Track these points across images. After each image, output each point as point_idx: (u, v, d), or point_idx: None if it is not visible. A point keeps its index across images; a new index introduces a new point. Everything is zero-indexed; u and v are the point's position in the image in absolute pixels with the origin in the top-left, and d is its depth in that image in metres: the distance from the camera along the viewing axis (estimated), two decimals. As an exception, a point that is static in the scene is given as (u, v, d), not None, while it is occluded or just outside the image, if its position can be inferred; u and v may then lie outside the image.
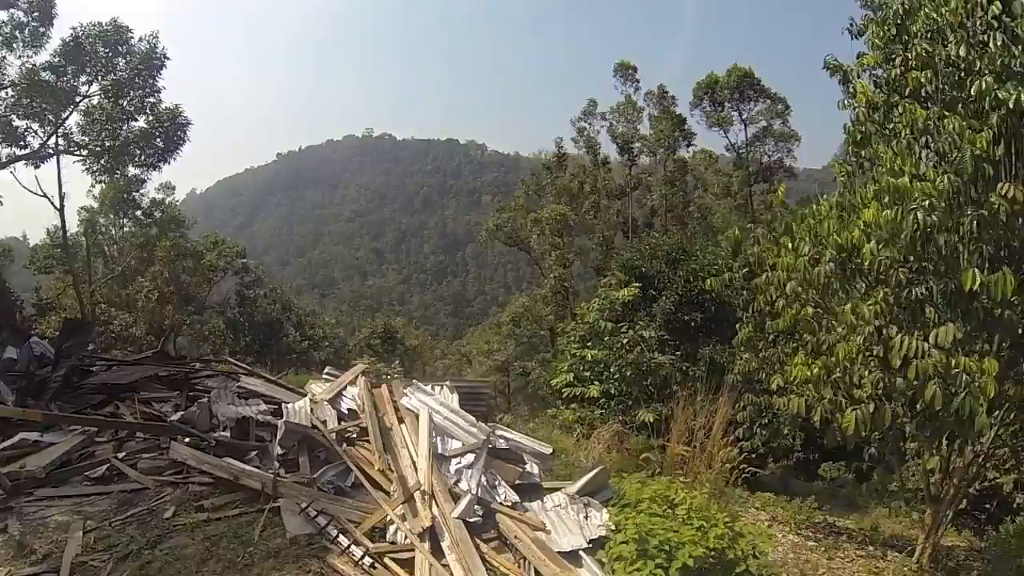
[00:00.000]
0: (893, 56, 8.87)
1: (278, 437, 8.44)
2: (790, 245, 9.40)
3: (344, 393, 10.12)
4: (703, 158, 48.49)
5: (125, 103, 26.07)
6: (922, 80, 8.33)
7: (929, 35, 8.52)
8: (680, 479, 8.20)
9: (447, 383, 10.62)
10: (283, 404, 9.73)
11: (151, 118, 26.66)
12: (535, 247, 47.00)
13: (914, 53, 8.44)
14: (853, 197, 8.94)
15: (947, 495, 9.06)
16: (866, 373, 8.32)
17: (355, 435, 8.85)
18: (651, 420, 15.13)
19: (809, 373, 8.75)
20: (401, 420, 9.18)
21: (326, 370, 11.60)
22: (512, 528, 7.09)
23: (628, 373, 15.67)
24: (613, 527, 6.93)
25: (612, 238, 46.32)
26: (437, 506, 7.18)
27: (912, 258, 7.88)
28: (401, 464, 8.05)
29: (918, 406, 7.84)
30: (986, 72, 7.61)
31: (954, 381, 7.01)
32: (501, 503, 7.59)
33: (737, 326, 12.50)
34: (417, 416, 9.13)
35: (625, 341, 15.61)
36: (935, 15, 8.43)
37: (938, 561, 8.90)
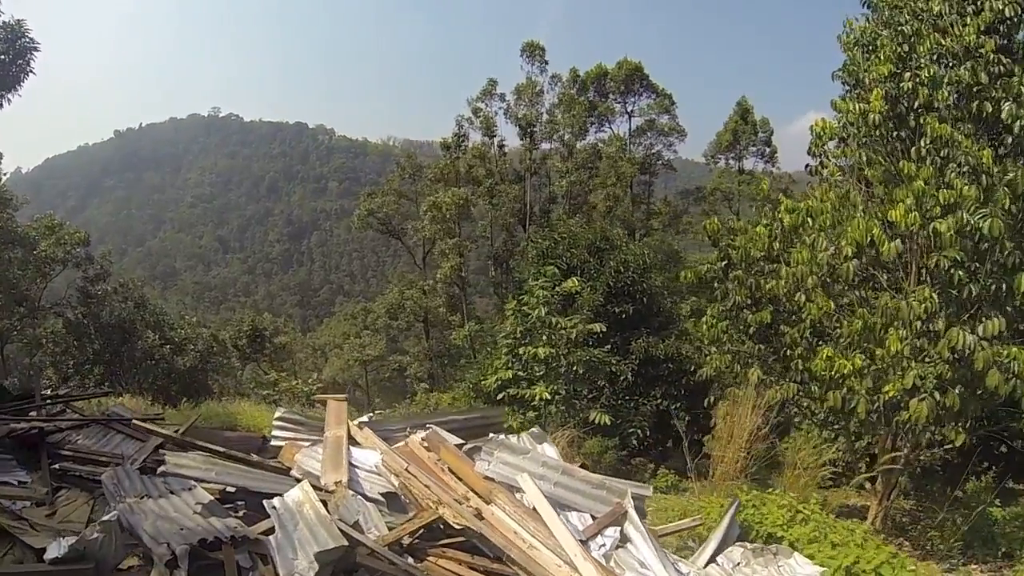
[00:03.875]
0: (903, 71, 10.00)
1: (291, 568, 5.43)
2: (808, 240, 9.93)
3: (356, 461, 7.31)
4: (618, 145, 48.21)
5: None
6: (939, 97, 9.58)
7: (935, 57, 10.01)
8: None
9: (451, 418, 8.74)
10: (262, 499, 6.52)
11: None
12: (426, 233, 45.59)
13: (924, 74, 9.62)
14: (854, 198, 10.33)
15: (898, 462, 10.08)
16: (912, 364, 8.79)
17: (416, 537, 6.09)
18: (607, 422, 14.22)
19: (851, 366, 8.98)
20: (485, 499, 6.76)
21: (279, 416, 8.70)
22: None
23: (580, 371, 14.58)
24: None
25: (513, 225, 45.63)
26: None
27: (965, 259, 8.52)
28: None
29: (979, 391, 8.52)
30: (1003, 96, 9.41)
31: (1006, 369, 7.96)
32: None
33: (703, 320, 12.73)
34: (511, 490, 6.94)
35: (574, 335, 14.50)
36: (943, 40, 9.94)
37: (890, 522, 9.86)
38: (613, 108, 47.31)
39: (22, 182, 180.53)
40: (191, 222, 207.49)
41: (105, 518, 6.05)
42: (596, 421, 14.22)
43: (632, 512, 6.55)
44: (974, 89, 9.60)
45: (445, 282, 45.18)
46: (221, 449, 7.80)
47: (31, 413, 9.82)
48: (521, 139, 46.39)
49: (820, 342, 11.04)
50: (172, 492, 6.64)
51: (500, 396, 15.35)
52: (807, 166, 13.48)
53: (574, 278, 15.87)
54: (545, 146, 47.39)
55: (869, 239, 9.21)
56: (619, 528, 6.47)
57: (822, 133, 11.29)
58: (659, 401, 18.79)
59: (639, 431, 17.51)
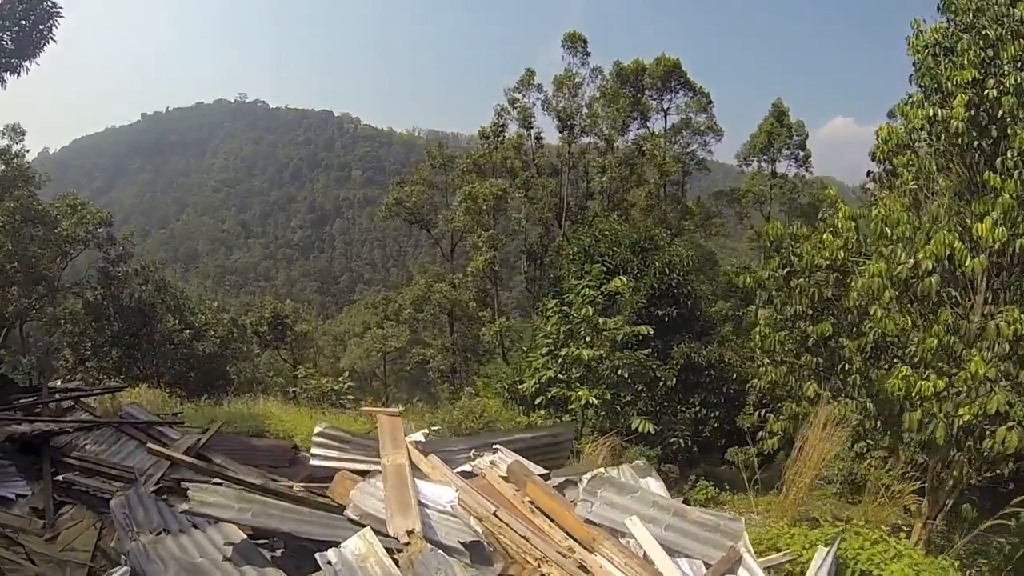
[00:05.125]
0: (986, 78, 9.61)
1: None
2: (885, 252, 9.44)
3: (426, 499, 6.21)
4: (657, 141, 47.30)
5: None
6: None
7: (1019, 65, 9.49)
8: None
9: (514, 438, 7.96)
10: (309, 545, 5.59)
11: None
12: (457, 224, 45.00)
13: (1009, 81, 9.25)
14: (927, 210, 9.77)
15: (946, 486, 9.71)
16: (997, 389, 8.33)
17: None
18: (651, 430, 13.73)
19: (932, 387, 8.51)
20: (588, 548, 5.92)
21: (320, 432, 7.46)
22: None
23: (625, 375, 14.09)
24: None
25: (549, 220, 44.89)
26: None
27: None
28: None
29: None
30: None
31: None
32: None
33: (756, 329, 12.24)
34: (614, 534, 6.13)
35: (620, 338, 14.01)
36: None
37: (931, 543, 9.18)
38: (650, 105, 46.39)
39: (49, 162, 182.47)
40: (214, 206, 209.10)
41: (116, 574, 5.41)
42: (639, 429, 13.71)
43: (748, 558, 5.93)
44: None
45: (476, 275, 44.45)
46: (256, 481, 6.71)
47: (38, 409, 9.30)
48: (560, 132, 45.45)
49: (883, 359, 10.64)
50: (195, 526, 5.94)
51: (539, 399, 14.83)
52: (869, 172, 13.02)
53: (621, 277, 15.35)
54: (584, 140, 46.41)
55: (948, 253, 8.78)
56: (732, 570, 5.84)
57: (888, 139, 10.81)
58: (697, 408, 18.35)
59: (680, 440, 17.01)
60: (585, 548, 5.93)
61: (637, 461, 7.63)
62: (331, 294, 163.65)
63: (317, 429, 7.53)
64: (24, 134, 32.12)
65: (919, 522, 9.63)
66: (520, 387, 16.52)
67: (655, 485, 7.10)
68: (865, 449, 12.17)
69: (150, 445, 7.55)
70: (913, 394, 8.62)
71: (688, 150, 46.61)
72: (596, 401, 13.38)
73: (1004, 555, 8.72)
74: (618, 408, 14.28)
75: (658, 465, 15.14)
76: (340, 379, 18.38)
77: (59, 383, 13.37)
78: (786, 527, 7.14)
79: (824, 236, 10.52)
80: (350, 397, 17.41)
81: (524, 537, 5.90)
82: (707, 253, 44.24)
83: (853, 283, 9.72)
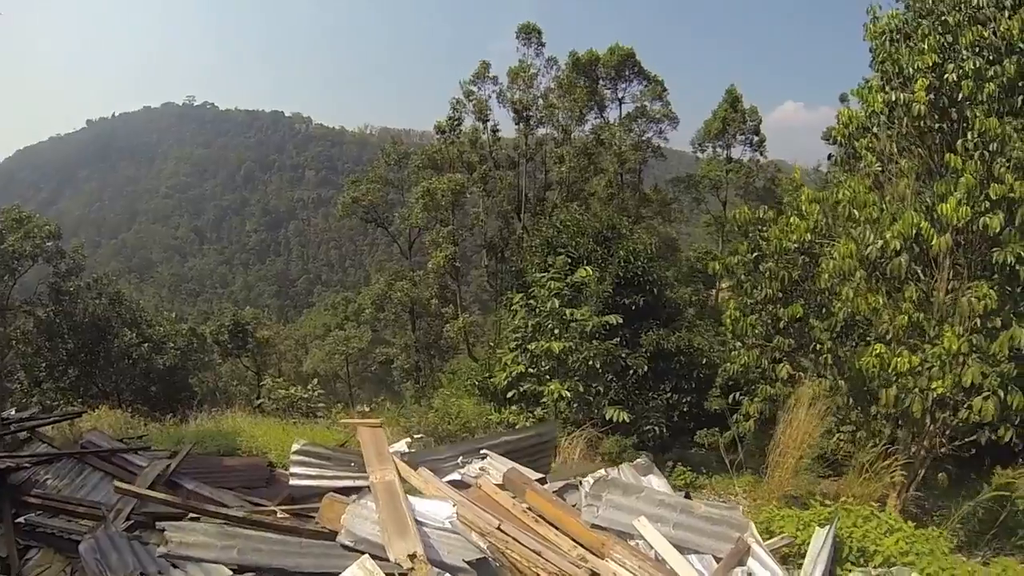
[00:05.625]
0: (946, 62, 9.84)
1: None
2: (854, 233, 9.55)
3: (422, 516, 5.83)
4: (619, 131, 46.99)
5: None
6: (986, 91, 9.30)
7: (977, 50, 9.70)
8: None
9: (504, 439, 7.75)
10: None
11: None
12: (414, 221, 44.75)
13: (968, 66, 9.49)
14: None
15: (919, 457, 9.91)
16: (970, 362, 8.58)
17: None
18: (626, 419, 13.72)
19: (907, 363, 8.69)
20: (597, 553, 5.75)
21: (299, 450, 7.09)
22: None
23: (596, 365, 14.02)
24: None
25: (509, 213, 44.76)
26: None
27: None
28: None
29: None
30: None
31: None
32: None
33: (727, 313, 12.13)
34: (621, 537, 5.99)
35: (589, 328, 13.94)
36: (984, 33, 9.69)
37: (906, 512, 9.20)
38: (604, 94, 46.48)
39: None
40: (166, 213, 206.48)
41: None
42: (613, 419, 13.69)
43: (756, 547, 5.86)
44: (1019, 84, 9.47)
45: (437, 272, 44.20)
46: (237, 512, 6.26)
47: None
48: (516, 124, 45.36)
49: (851, 338, 10.80)
50: (175, 566, 5.40)
51: (510, 394, 14.74)
52: (830, 156, 13.14)
53: (586, 267, 15.28)
54: (540, 131, 46.43)
55: (915, 233, 8.96)
56: (746, 568, 5.78)
57: (849, 122, 10.96)
58: (669, 395, 18.42)
59: (655, 427, 17.04)
60: (595, 555, 5.77)
61: (639, 460, 7.42)
62: (289, 297, 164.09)
63: (295, 447, 7.19)
64: (-37, 146, 30.99)
65: (892, 493, 9.71)
66: (490, 383, 16.43)
67: (658, 482, 6.96)
68: (834, 425, 12.34)
69: (116, 483, 6.90)
70: (889, 370, 8.78)
71: (644, 138, 46.58)
72: (568, 394, 13.31)
73: (981, 519, 9.01)
74: (590, 399, 14.21)
75: (635, 453, 15.20)
76: (309, 387, 17.96)
77: (13, 411, 12.67)
78: (776, 509, 7.15)
79: (791, 220, 10.59)
80: (321, 405, 17.07)
81: (533, 550, 5.69)
82: (668, 239, 44.50)
83: (824, 265, 9.79)
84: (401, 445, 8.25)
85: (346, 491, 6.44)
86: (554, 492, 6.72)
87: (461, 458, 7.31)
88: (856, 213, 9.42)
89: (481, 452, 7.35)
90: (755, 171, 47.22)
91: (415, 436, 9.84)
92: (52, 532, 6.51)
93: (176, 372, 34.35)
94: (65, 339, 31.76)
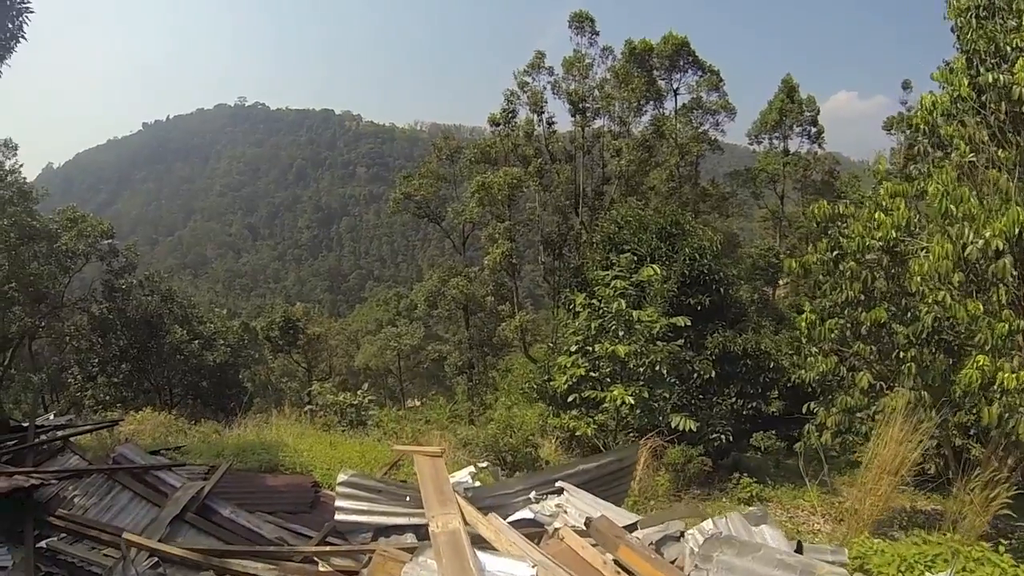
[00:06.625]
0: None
1: None
2: (951, 231, 8.69)
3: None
4: (679, 120, 45.97)
5: None
6: None
7: None
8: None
9: (578, 469, 6.98)
10: None
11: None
12: (468, 216, 44.20)
13: None
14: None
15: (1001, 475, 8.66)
16: None
17: None
18: (692, 428, 13.04)
19: (1016, 380, 7.79)
20: None
21: (345, 481, 6.50)
22: None
23: (663, 370, 13.35)
24: None
25: (567, 208, 43.88)
26: None
27: None
28: None
29: None
30: None
31: None
32: None
33: (802, 316, 11.54)
34: None
35: (656, 331, 13.28)
36: None
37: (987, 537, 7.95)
38: (659, 85, 45.10)
39: (54, 177, 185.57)
40: (220, 211, 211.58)
41: None
42: (679, 427, 13.03)
43: None
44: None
45: (493, 269, 43.40)
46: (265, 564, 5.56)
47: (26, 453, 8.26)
48: (572, 115, 44.01)
49: (935, 345, 9.93)
50: None
51: (571, 398, 14.13)
52: (911, 145, 12.28)
53: (653, 266, 14.61)
54: (597, 123, 45.03)
55: (1017, 232, 8.10)
56: None
57: (933, 108, 10.07)
58: (733, 400, 17.62)
59: (722, 436, 16.29)
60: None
61: (751, 509, 6.53)
62: (341, 292, 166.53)
63: (341, 477, 6.62)
64: (16, 148, 31.50)
65: (971, 512, 8.58)
66: (549, 386, 15.82)
67: (772, 535, 5.99)
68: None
69: (127, 535, 6.18)
70: (995, 387, 7.94)
71: (700, 130, 45.39)
72: (632, 400, 12.64)
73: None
74: (655, 405, 13.48)
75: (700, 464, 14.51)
76: (359, 392, 17.37)
77: (51, 416, 12.33)
78: (868, 541, 6.47)
79: (877, 215, 9.79)
80: (372, 412, 16.53)
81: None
82: (730, 235, 43.30)
83: (914, 266, 9.01)
84: (464, 475, 7.43)
85: (398, 529, 5.94)
86: (651, 544, 5.82)
87: (534, 492, 6.61)
88: (953, 209, 8.51)
89: (557, 485, 6.65)
90: (812, 164, 45.86)
91: (480, 465, 8.95)
92: (73, 561, 6.13)
93: (226, 368, 34.64)
94: (118, 335, 32.28)
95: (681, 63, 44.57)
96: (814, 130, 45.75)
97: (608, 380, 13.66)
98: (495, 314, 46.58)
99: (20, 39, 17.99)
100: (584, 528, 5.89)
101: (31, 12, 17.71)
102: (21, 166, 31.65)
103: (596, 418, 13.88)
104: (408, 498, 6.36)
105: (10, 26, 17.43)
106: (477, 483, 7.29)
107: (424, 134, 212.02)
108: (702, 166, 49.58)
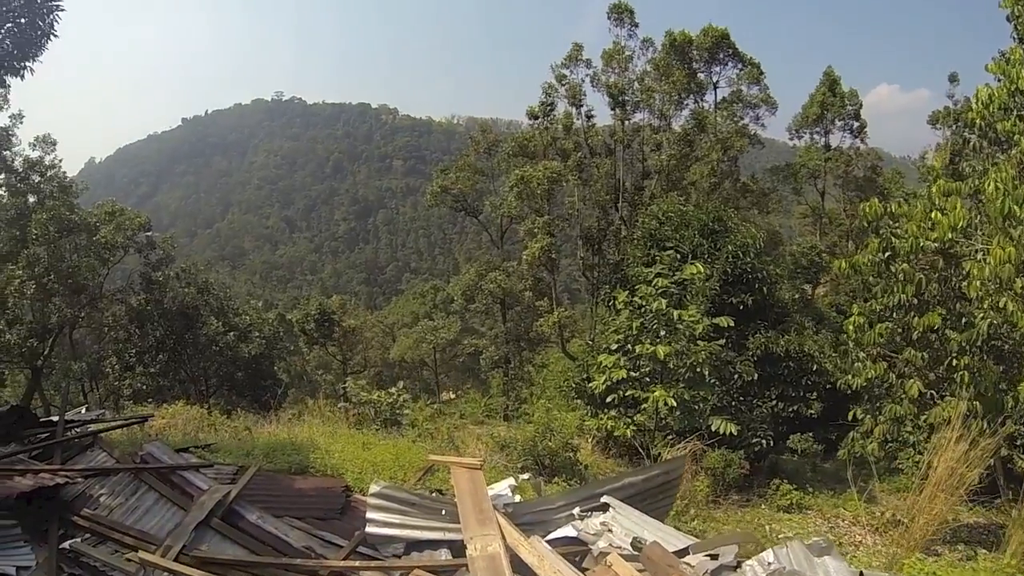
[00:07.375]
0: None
1: None
2: (1014, 234, 8.37)
3: None
4: (721, 114, 44.86)
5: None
6: None
7: None
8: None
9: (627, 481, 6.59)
10: None
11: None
12: (506, 210, 43.78)
13: None
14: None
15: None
16: None
17: None
18: (733, 432, 12.71)
19: None
20: None
21: (377, 493, 6.34)
22: None
23: (705, 372, 13.04)
24: None
25: (607, 203, 43.18)
26: None
27: None
28: None
29: None
30: None
31: None
32: None
33: (850, 320, 11.36)
34: None
35: (698, 331, 12.97)
36: None
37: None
38: (699, 78, 44.10)
39: (96, 172, 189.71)
40: (258, 204, 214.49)
41: None
42: (720, 430, 12.71)
43: None
44: None
45: (532, 264, 42.53)
46: None
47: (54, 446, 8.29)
48: (611, 109, 43.16)
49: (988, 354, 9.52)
50: None
51: (610, 398, 13.87)
52: (966, 140, 11.84)
53: (696, 263, 14.24)
54: (637, 116, 44.10)
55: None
56: None
57: (989, 102, 9.62)
58: (774, 403, 17.22)
59: (763, 441, 15.91)
60: None
61: (815, 539, 5.97)
62: (378, 284, 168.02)
63: (373, 488, 6.40)
64: (55, 144, 31.51)
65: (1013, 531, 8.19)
66: (588, 386, 15.55)
67: (836, 567, 5.45)
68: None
69: (142, 555, 5.92)
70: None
71: (741, 124, 44.30)
72: (673, 401, 12.34)
73: None
74: (695, 407, 13.15)
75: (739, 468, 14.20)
76: (393, 390, 17.08)
77: (83, 411, 12.28)
78: (919, 563, 6.15)
79: (933, 215, 9.38)
80: (407, 411, 16.26)
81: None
82: (772, 233, 42.53)
83: (974, 270, 8.58)
84: (504, 487, 7.09)
85: (432, 544, 5.65)
86: (706, 575, 5.36)
87: (578, 508, 6.24)
88: (1016, 209, 8.06)
89: (602, 500, 6.29)
90: (854, 159, 44.71)
91: (521, 478, 8.56)
92: (96, 564, 6.00)
93: (261, 360, 34.89)
94: (155, 326, 32.70)
95: (721, 56, 43.48)
96: (856, 124, 44.56)
97: (647, 380, 13.40)
98: (532, 309, 46.11)
99: (51, 36, 18.27)
100: (631, 550, 5.54)
101: (62, 10, 17.87)
102: (60, 161, 31.82)
103: (635, 419, 13.62)
104: (444, 511, 6.09)
105: (41, 24, 17.69)
106: (518, 497, 6.98)
107: (461, 127, 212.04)
108: (741, 161, 48.62)
